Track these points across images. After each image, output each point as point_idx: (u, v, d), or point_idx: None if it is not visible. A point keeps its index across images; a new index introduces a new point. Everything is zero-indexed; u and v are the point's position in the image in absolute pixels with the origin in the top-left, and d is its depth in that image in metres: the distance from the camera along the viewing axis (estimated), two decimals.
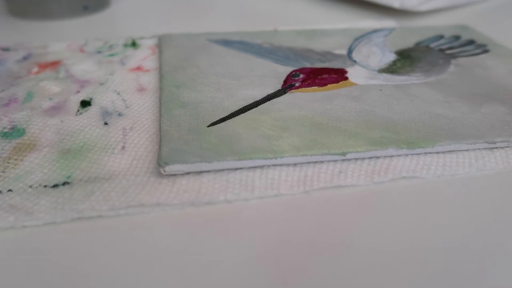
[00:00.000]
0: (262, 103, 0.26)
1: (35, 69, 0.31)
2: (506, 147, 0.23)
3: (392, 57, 0.33)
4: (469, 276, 0.17)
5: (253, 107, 0.25)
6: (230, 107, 0.25)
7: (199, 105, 0.26)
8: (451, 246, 0.18)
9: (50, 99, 0.27)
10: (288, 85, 0.28)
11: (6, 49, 0.34)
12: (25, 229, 0.19)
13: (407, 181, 0.21)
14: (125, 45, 0.35)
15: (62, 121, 0.25)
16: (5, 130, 0.24)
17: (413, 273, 0.17)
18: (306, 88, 0.28)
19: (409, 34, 0.38)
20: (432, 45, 0.35)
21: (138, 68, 0.32)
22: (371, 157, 0.22)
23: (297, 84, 0.28)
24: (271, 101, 0.26)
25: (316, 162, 0.22)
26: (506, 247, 0.18)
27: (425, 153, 0.23)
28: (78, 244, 0.18)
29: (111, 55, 0.34)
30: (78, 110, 0.26)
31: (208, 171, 0.21)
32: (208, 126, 0.23)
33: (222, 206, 0.20)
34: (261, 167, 0.22)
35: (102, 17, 0.43)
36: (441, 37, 0.37)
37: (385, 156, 0.22)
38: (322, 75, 0.30)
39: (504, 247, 0.18)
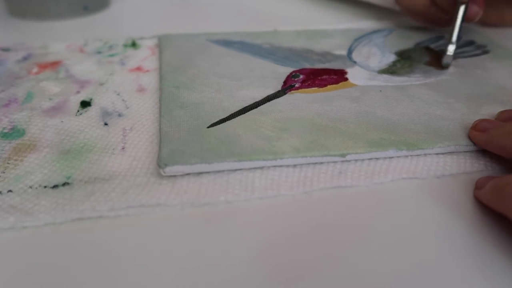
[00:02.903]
0: (262, 104, 0.26)
1: (35, 70, 0.31)
2: None
3: (392, 58, 0.33)
4: (474, 277, 0.17)
5: (253, 108, 0.26)
6: (230, 108, 0.25)
7: (199, 106, 0.26)
8: (452, 246, 0.18)
9: (50, 99, 0.27)
10: (288, 86, 0.28)
11: (6, 49, 0.34)
12: (25, 229, 0.19)
13: (407, 182, 0.21)
14: (125, 45, 0.35)
15: (62, 121, 0.25)
16: (5, 131, 0.24)
17: (413, 273, 0.17)
18: (306, 89, 0.28)
19: (409, 34, 0.38)
20: (432, 45, 0.36)
21: (138, 69, 0.32)
22: (370, 158, 0.22)
23: (297, 85, 0.28)
24: (271, 102, 0.26)
25: (316, 163, 0.22)
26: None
27: (425, 154, 0.23)
28: (78, 244, 0.18)
29: (111, 55, 0.34)
30: (78, 111, 0.26)
31: (208, 172, 0.21)
32: (208, 127, 0.23)
33: (222, 207, 0.20)
34: (261, 168, 0.22)
35: (102, 17, 0.43)
36: (441, 37, 0.37)
37: (385, 158, 0.22)
38: (322, 76, 0.30)
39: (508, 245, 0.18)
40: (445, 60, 0.31)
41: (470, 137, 0.23)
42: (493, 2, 0.38)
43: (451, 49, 0.31)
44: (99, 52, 0.34)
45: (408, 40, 0.36)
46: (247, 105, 0.26)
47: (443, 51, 0.32)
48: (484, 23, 0.40)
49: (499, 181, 0.19)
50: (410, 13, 0.37)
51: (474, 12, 0.33)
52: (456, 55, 0.34)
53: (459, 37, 0.32)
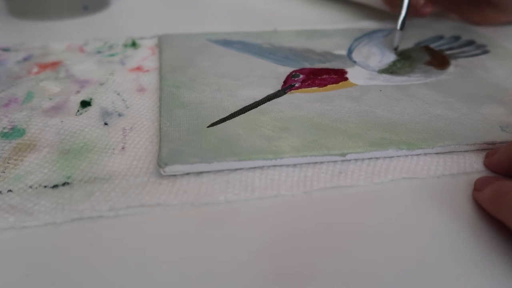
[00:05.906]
0: (262, 104, 0.26)
1: (35, 69, 0.31)
2: None
3: (392, 57, 0.33)
4: (473, 276, 0.17)
5: (253, 108, 0.26)
6: (230, 107, 0.25)
7: (199, 106, 0.26)
8: (451, 245, 0.18)
9: (50, 99, 0.27)
10: (288, 86, 0.28)
11: (6, 50, 0.34)
12: (25, 229, 0.19)
13: (406, 182, 0.21)
14: (125, 45, 0.35)
15: (62, 121, 0.25)
16: (5, 130, 0.24)
17: (413, 272, 0.17)
18: (306, 89, 0.28)
19: (409, 34, 0.37)
20: (432, 45, 0.36)
21: (138, 68, 0.32)
22: (371, 158, 0.22)
23: (297, 85, 0.28)
24: (271, 101, 0.26)
25: (316, 162, 0.22)
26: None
27: (425, 154, 0.23)
28: (78, 244, 0.18)
29: (111, 55, 0.34)
30: (78, 110, 0.26)
31: (208, 172, 0.21)
32: (208, 127, 0.23)
33: (222, 207, 0.20)
34: (261, 167, 0.22)
35: (102, 17, 0.43)
36: (441, 37, 0.37)
37: (385, 157, 0.22)
38: (322, 75, 0.30)
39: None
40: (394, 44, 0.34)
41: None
42: (475, 2, 0.39)
43: (397, 35, 0.34)
44: (99, 52, 0.34)
45: (408, 40, 0.36)
46: (247, 104, 0.26)
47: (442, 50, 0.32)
48: (469, 22, 0.40)
49: (498, 189, 0.18)
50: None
51: (423, 10, 0.37)
52: (456, 55, 0.34)
53: (403, 23, 0.34)
